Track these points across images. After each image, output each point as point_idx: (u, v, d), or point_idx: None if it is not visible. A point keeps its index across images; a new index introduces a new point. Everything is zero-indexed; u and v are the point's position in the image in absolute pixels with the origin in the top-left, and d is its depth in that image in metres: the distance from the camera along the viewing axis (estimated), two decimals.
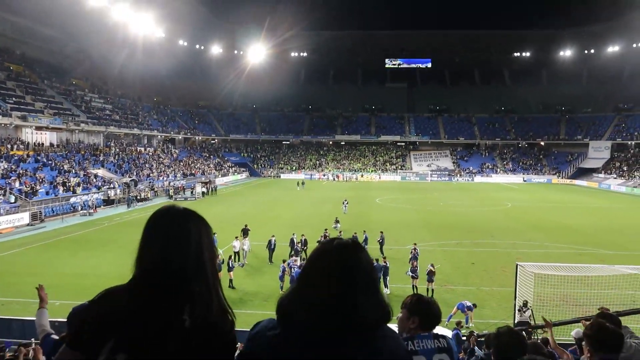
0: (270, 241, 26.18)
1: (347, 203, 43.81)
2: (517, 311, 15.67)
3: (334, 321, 1.58)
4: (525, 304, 15.53)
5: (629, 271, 17.50)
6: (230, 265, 21.91)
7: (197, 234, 1.82)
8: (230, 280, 21.60)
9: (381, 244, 27.28)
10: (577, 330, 8.61)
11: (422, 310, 2.91)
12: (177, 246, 1.77)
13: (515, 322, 15.31)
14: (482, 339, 13.43)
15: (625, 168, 79.66)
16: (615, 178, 77.61)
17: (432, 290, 20.55)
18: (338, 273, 1.61)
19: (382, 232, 28.42)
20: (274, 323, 1.75)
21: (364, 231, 29.07)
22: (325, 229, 29.64)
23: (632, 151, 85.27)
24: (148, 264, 1.77)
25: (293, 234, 27.05)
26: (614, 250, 29.28)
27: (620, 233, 35.74)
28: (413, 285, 20.85)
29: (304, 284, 1.70)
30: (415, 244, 24.24)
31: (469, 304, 17.48)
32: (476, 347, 10.37)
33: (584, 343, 3.54)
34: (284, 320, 1.69)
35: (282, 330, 1.67)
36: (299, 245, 25.90)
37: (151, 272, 1.74)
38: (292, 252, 24.99)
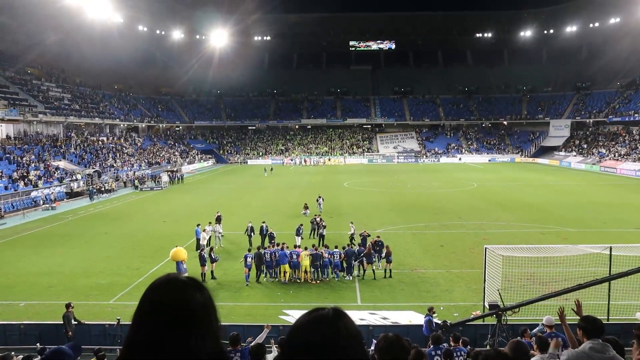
0: (262, 227, 26.78)
1: (322, 200, 37.83)
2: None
3: None
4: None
5: (591, 250, 18.04)
6: (213, 257, 21.79)
7: None
8: (212, 272, 21.52)
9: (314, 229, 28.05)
10: (548, 317, 8.79)
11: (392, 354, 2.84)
12: None
13: (487, 304, 15.65)
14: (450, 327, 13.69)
15: (584, 145, 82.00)
16: (575, 155, 79.84)
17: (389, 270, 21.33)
18: (314, 350, 1.50)
19: (317, 216, 29.60)
20: None
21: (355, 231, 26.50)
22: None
23: (590, 129, 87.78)
24: None
25: (263, 222, 27.19)
26: (576, 227, 30.19)
27: (581, 210, 36.84)
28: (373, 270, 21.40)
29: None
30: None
31: None
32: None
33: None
34: None
35: None
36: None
37: None
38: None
